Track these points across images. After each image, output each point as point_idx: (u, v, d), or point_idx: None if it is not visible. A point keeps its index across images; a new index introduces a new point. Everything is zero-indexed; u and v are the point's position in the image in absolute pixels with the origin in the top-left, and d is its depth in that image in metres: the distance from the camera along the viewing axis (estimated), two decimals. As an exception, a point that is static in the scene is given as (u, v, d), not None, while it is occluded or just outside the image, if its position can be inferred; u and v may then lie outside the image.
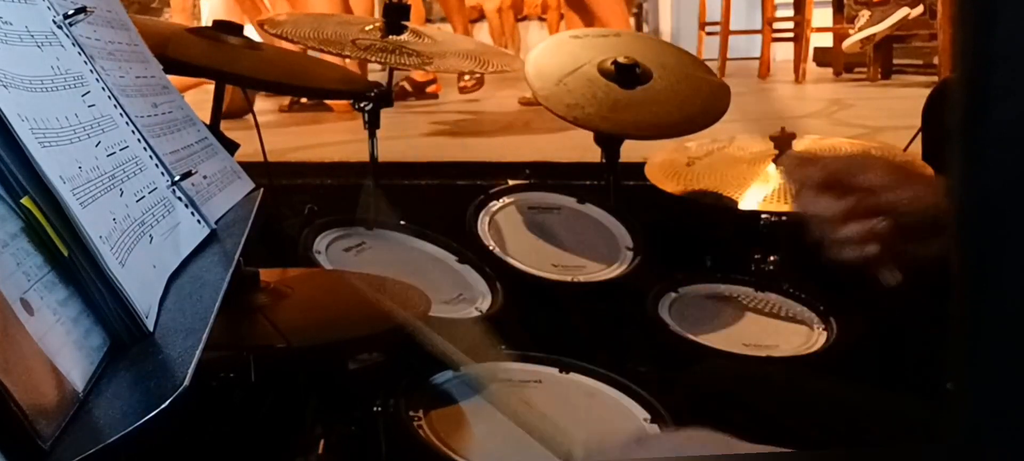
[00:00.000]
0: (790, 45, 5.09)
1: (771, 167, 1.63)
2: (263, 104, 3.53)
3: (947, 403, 0.35)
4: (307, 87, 2.06)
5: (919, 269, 0.88)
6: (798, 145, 1.66)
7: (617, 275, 1.58)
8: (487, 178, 1.88)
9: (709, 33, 5.61)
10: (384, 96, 1.70)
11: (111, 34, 0.90)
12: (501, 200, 1.68)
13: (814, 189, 0.92)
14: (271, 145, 1.87)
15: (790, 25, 5.02)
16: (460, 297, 1.48)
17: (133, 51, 0.96)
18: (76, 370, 0.54)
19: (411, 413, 1.19)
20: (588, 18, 3.30)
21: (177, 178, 0.83)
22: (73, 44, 0.76)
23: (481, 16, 6.00)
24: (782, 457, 0.66)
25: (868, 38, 4.23)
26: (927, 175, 0.93)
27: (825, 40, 5.03)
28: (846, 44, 4.44)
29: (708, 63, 2.11)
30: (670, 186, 1.66)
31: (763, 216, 1.65)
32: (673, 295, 1.58)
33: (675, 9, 7.19)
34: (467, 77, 3.58)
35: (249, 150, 1.64)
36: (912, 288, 0.90)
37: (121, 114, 0.79)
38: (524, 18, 6.50)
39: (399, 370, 1.33)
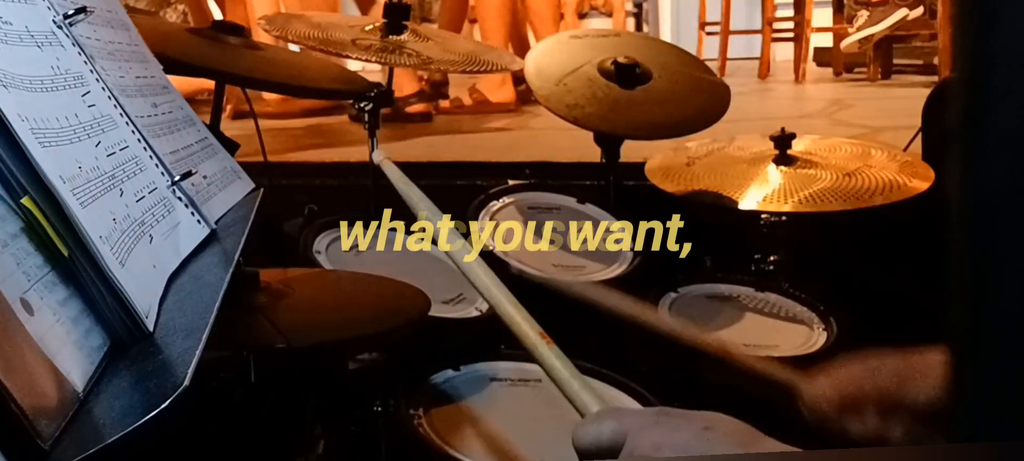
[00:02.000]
0: (790, 45, 5.09)
1: (771, 167, 1.63)
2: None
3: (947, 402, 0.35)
4: (307, 87, 2.05)
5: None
6: (798, 145, 1.66)
7: (617, 275, 1.58)
8: (487, 178, 1.88)
9: (709, 33, 5.61)
10: (384, 96, 1.70)
11: (111, 34, 0.90)
12: (501, 200, 1.68)
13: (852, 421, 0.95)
14: (271, 145, 1.87)
15: (790, 25, 5.03)
16: (460, 297, 1.48)
17: (133, 51, 0.96)
18: (76, 370, 0.54)
19: (411, 412, 1.19)
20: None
21: (177, 178, 0.83)
22: (73, 44, 0.76)
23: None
24: (788, 457, 0.65)
25: (866, 39, 4.23)
26: (925, 358, 0.95)
27: (825, 40, 5.03)
28: (844, 44, 4.44)
29: (708, 63, 2.11)
30: (670, 186, 1.66)
31: (763, 216, 1.65)
32: (673, 295, 1.58)
33: (675, 9, 7.18)
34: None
35: (249, 150, 1.64)
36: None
37: (121, 114, 0.79)
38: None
39: (399, 370, 1.33)
